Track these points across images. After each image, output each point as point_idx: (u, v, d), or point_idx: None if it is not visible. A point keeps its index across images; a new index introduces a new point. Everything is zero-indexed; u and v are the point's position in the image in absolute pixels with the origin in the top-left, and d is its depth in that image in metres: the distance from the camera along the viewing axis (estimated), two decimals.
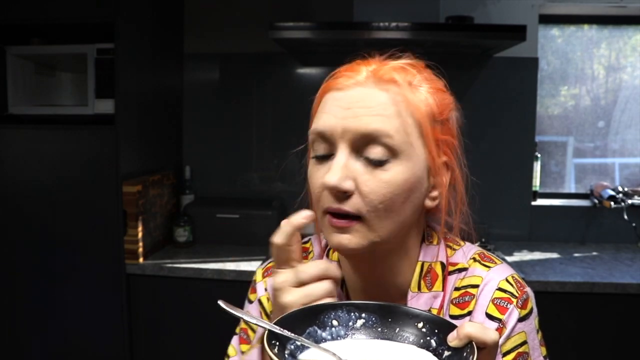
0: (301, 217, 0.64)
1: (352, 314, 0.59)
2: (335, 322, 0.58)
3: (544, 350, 0.75)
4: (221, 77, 2.49)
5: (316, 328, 0.57)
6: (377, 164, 0.65)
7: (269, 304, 0.82)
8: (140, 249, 2.01)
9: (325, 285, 0.63)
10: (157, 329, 2.04)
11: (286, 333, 0.53)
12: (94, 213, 1.98)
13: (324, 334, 0.57)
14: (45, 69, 2.19)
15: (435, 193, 0.71)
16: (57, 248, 2.00)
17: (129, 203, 1.96)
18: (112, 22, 1.90)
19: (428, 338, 0.55)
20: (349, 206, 0.66)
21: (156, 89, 2.26)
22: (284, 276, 0.64)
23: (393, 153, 0.65)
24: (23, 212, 2.01)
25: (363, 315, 0.59)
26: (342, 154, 0.66)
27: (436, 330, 0.55)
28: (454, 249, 0.78)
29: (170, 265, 1.99)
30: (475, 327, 0.52)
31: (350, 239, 0.67)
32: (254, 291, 0.85)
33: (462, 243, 0.79)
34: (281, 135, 2.47)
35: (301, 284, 0.63)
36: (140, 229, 2.00)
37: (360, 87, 0.68)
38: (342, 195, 0.65)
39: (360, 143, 0.65)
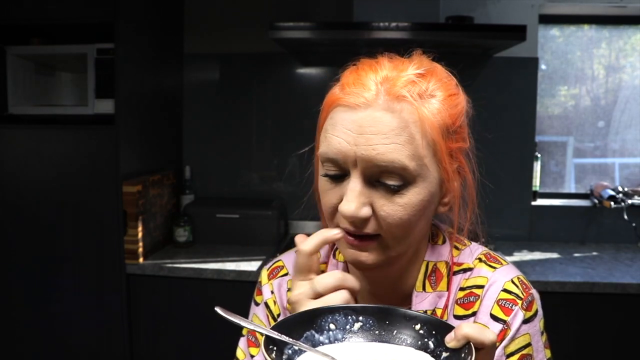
0: (334, 233, 0.65)
1: (350, 317, 0.59)
2: (332, 326, 0.58)
3: (548, 353, 0.74)
4: (221, 77, 2.49)
5: (313, 332, 0.57)
6: (393, 190, 0.64)
7: (275, 307, 0.81)
8: (140, 249, 2.01)
9: (342, 295, 0.63)
10: (157, 329, 2.04)
11: (284, 338, 0.53)
12: (94, 213, 1.98)
13: (321, 338, 0.57)
14: (45, 69, 2.19)
15: (447, 199, 0.71)
16: (57, 248, 2.00)
17: (129, 203, 1.96)
18: (112, 22, 1.90)
19: (426, 340, 0.55)
20: (367, 229, 0.65)
21: (156, 89, 2.26)
22: (301, 289, 0.64)
23: (408, 180, 0.64)
24: (23, 212, 2.01)
25: (360, 318, 0.59)
26: (356, 181, 0.65)
27: (434, 332, 0.55)
28: (460, 249, 0.77)
29: (170, 265, 1.99)
30: (473, 328, 0.51)
31: (367, 256, 0.67)
32: (260, 293, 0.84)
33: (467, 243, 0.79)
34: (281, 135, 2.47)
35: (318, 295, 0.63)
36: (140, 229, 2.00)
37: (370, 108, 0.64)
38: (358, 221, 0.65)
39: (375, 171, 0.64)
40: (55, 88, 2.24)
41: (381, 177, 0.64)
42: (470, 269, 0.75)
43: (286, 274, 0.83)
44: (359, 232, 0.65)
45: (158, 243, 2.18)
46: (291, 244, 0.87)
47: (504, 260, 0.77)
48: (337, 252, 0.80)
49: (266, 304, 0.82)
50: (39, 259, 2.02)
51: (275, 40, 2.03)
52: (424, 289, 0.73)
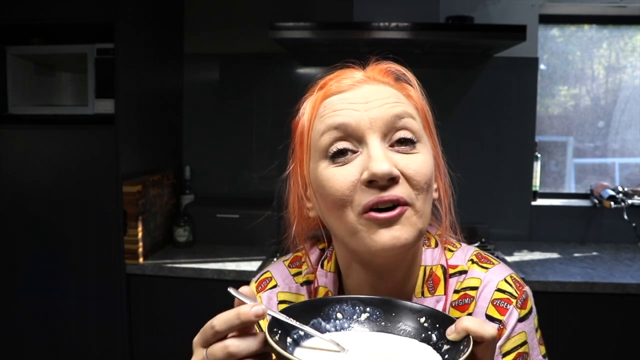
0: (254, 314, 0.52)
1: (357, 307, 0.60)
2: (339, 315, 0.59)
3: (543, 349, 0.75)
4: (221, 77, 2.49)
5: (320, 320, 0.58)
6: (408, 146, 0.66)
7: (264, 321, 0.74)
8: (140, 249, 2.01)
9: None
10: (157, 329, 2.04)
11: (292, 321, 0.54)
12: (94, 213, 1.98)
13: (327, 326, 0.58)
14: (45, 69, 2.19)
15: (436, 184, 0.73)
16: (57, 248, 2.00)
17: (129, 203, 1.96)
18: (112, 22, 1.90)
19: (429, 332, 0.56)
20: (399, 192, 0.63)
21: (156, 89, 2.26)
22: (198, 357, 0.57)
23: (417, 137, 0.67)
24: (23, 213, 2.01)
25: (367, 309, 0.60)
26: (376, 144, 0.64)
27: (437, 325, 0.56)
28: (452, 251, 0.78)
29: (170, 265, 1.99)
30: (473, 321, 0.52)
31: (402, 230, 0.63)
32: None
33: (458, 245, 0.79)
34: (281, 136, 2.46)
35: None
36: (140, 229, 2.00)
37: (366, 84, 0.69)
38: (387, 184, 0.63)
39: (389, 129, 0.65)
40: (55, 88, 2.24)
41: (395, 135, 0.66)
42: (465, 272, 0.75)
43: (275, 286, 0.81)
44: (393, 197, 0.62)
45: (158, 243, 2.18)
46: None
47: (496, 260, 0.78)
48: (325, 262, 0.79)
49: None
50: (38, 259, 2.02)
51: (275, 40, 2.03)
52: (422, 294, 0.73)
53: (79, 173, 1.97)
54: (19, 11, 1.92)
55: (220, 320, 0.54)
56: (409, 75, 0.74)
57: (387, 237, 0.63)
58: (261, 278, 0.83)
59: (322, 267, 0.79)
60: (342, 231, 0.67)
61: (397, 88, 0.71)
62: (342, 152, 0.66)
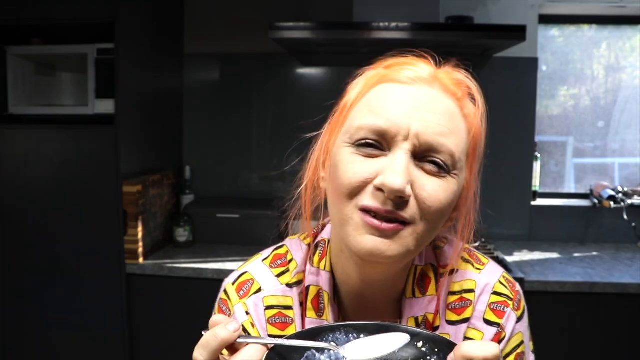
0: (231, 330, 0.53)
1: (351, 335, 0.57)
2: (333, 344, 0.57)
3: (531, 345, 0.76)
4: (221, 77, 2.49)
5: (314, 351, 0.56)
6: (437, 170, 0.61)
7: (254, 330, 0.72)
8: (140, 249, 2.01)
9: None
10: (157, 329, 2.04)
11: (294, 342, 0.53)
12: (94, 213, 1.98)
13: (322, 357, 0.56)
14: (45, 69, 2.19)
15: (454, 213, 0.68)
16: (57, 248, 2.00)
17: (129, 203, 1.96)
18: (112, 22, 1.90)
19: (428, 358, 0.55)
20: (404, 212, 0.60)
21: (156, 89, 2.26)
22: None
23: (450, 166, 0.62)
24: (23, 212, 2.01)
25: (361, 336, 0.57)
26: (403, 155, 0.60)
27: (436, 350, 0.55)
28: (441, 247, 0.76)
29: (170, 265, 1.99)
30: (473, 346, 0.49)
31: (389, 245, 0.61)
32: (226, 314, 0.74)
33: (445, 240, 0.77)
34: (281, 135, 2.47)
35: None
36: (140, 229, 2.00)
37: (427, 85, 0.64)
38: (397, 200, 0.60)
39: (423, 150, 0.61)
40: (55, 88, 2.24)
41: (426, 157, 0.61)
42: (454, 270, 0.74)
43: (259, 290, 0.74)
44: (396, 215, 0.60)
45: (158, 243, 2.18)
46: None
47: (485, 258, 0.77)
48: (316, 259, 0.74)
49: (243, 328, 0.70)
50: (39, 259, 2.02)
51: (276, 40, 2.03)
52: (413, 294, 0.72)
53: (79, 173, 1.97)
54: (19, 11, 1.92)
55: (201, 348, 0.55)
56: (477, 97, 0.68)
57: (370, 244, 0.61)
58: (240, 281, 0.76)
59: (312, 264, 0.74)
60: (337, 216, 0.65)
61: (459, 105, 0.65)
62: (369, 145, 0.62)
